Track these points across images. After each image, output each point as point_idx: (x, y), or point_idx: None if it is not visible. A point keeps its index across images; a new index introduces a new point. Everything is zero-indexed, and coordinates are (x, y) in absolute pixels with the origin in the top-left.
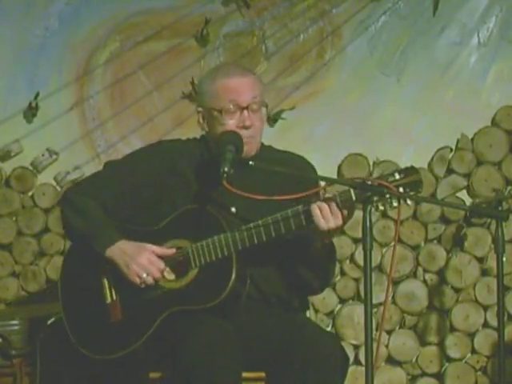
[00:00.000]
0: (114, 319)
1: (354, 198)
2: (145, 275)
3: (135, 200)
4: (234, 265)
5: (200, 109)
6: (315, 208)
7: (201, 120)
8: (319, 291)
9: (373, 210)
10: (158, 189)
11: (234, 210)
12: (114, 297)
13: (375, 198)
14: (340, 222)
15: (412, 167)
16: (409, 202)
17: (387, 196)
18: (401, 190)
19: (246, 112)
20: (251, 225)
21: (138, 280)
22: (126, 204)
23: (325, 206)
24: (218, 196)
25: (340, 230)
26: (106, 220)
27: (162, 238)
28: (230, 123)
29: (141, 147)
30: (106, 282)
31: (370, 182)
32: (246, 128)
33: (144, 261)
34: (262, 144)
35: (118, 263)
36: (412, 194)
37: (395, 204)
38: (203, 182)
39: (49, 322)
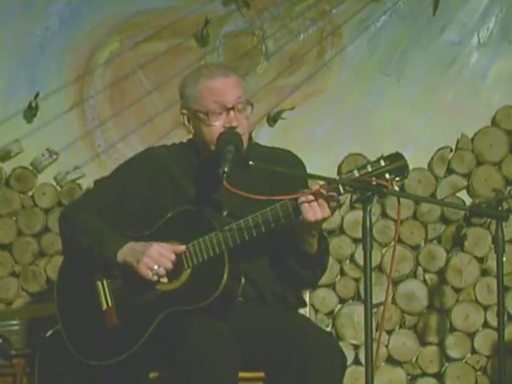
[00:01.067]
0: (110, 325)
1: (341, 190)
2: (156, 267)
3: (128, 208)
4: (227, 263)
5: (184, 111)
6: (303, 201)
7: (186, 122)
8: (313, 283)
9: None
10: (149, 195)
11: (225, 213)
12: (110, 303)
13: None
14: (327, 213)
15: (397, 153)
16: (396, 187)
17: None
18: (387, 176)
19: (232, 112)
20: (241, 221)
21: (149, 273)
22: (120, 213)
23: (311, 197)
24: (209, 198)
25: (325, 221)
26: (109, 228)
27: (155, 241)
28: (217, 124)
29: (129, 157)
30: (100, 289)
31: (358, 174)
32: (234, 128)
33: (154, 253)
34: (249, 142)
35: (129, 262)
36: (398, 179)
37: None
38: (194, 185)
39: (47, 333)
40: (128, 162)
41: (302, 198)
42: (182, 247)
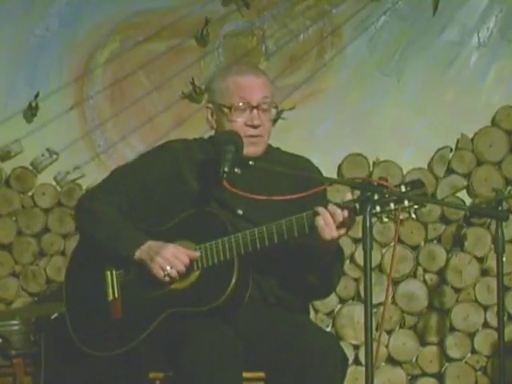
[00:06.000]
0: (114, 317)
1: (357, 208)
2: (168, 268)
3: (144, 202)
4: (236, 268)
5: (210, 105)
6: (319, 219)
7: (209, 116)
8: (323, 296)
9: (377, 222)
10: (165, 190)
11: (240, 212)
12: (116, 295)
13: (378, 209)
14: (343, 231)
15: (418, 180)
16: (413, 215)
17: (392, 207)
18: (406, 203)
19: (255, 111)
20: (255, 230)
21: (161, 273)
22: (136, 206)
23: (328, 216)
24: (224, 197)
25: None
26: (127, 224)
27: (168, 238)
28: (239, 121)
29: (148, 150)
30: (109, 279)
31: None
32: (255, 127)
33: (168, 254)
34: (270, 145)
35: (144, 260)
36: (416, 207)
37: (401, 217)
38: (209, 182)
39: (53, 316)
40: (147, 154)
41: (319, 218)
42: (197, 253)
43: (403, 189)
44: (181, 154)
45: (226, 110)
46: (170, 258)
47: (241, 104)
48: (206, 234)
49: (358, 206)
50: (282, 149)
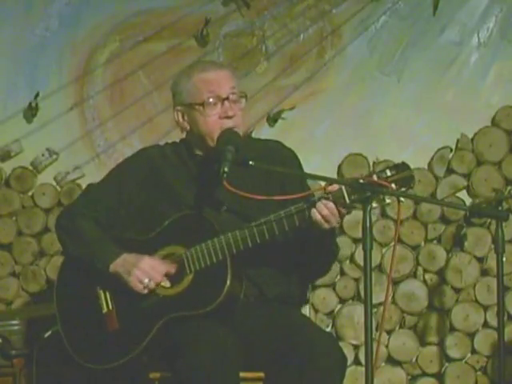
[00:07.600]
0: (110, 329)
1: (346, 197)
2: (146, 280)
3: (126, 211)
4: (229, 268)
5: (179, 107)
6: (315, 214)
7: (180, 119)
8: (327, 270)
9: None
10: (146, 197)
11: (225, 207)
12: (111, 307)
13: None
14: (339, 218)
15: (403, 163)
16: (402, 198)
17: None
18: (393, 186)
19: (226, 102)
20: (244, 228)
21: (140, 286)
22: (118, 216)
23: (324, 209)
24: (207, 196)
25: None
26: (104, 237)
27: (158, 245)
28: (213, 114)
29: (122, 160)
30: (101, 292)
31: (362, 181)
32: (230, 117)
33: (145, 266)
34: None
35: (120, 273)
36: (404, 189)
37: (388, 201)
38: (189, 184)
39: (46, 335)
40: (122, 164)
41: (314, 212)
42: (173, 266)
43: (388, 173)
44: (156, 159)
45: (197, 107)
46: (148, 270)
47: (211, 99)
48: (196, 237)
49: (345, 194)
50: None
